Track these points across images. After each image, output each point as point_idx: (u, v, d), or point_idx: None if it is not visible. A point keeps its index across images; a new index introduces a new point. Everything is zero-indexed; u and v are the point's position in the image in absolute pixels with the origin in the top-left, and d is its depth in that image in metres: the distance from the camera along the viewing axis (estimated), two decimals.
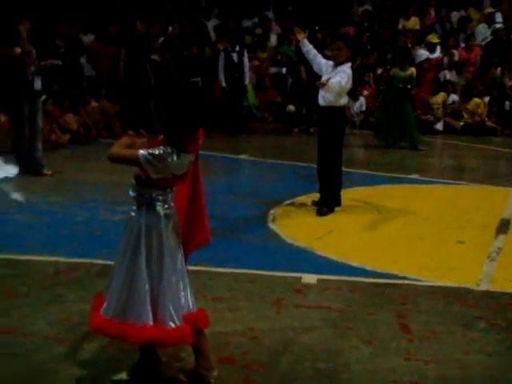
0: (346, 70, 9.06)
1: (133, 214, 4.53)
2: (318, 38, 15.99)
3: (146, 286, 4.46)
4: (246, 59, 17.00)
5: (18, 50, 10.64)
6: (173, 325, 4.50)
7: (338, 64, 9.10)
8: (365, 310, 6.14)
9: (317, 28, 18.16)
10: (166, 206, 4.53)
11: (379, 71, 18.09)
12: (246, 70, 16.98)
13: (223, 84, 16.62)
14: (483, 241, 8.25)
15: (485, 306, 6.28)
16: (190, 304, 4.64)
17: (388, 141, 14.73)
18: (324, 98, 9.16)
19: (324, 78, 9.06)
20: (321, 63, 9.32)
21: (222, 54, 16.86)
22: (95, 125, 14.91)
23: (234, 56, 16.87)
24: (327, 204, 9.26)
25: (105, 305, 4.58)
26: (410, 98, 15.10)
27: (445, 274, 7.10)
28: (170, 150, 4.31)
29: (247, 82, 17.07)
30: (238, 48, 16.94)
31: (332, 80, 8.90)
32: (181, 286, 4.59)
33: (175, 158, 4.33)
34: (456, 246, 8.09)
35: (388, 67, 17.04)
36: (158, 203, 4.50)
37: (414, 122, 15.12)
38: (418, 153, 14.40)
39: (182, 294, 4.60)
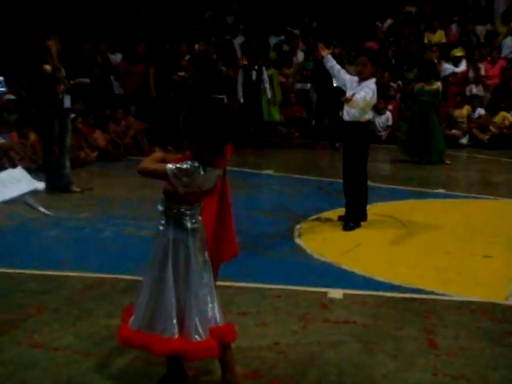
0: (371, 85, 9.09)
1: (161, 228, 4.57)
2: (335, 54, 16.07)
3: (173, 299, 4.50)
4: (265, 76, 17.11)
5: (49, 67, 10.72)
6: (198, 338, 4.52)
7: (362, 79, 9.13)
8: (391, 324, 6.12)
9: (334, 43, 18.32)
10: (194, 220, 4.56)
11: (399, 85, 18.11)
12: (266, 85, 17.08)
13: (241, 100, 16.68)
14: (511, 255, 8.20)
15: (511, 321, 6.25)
16: (218, 318, 4.66)
17: (414, 155, 14.69)
18: (349, 113, 9.19)
19: (349, 94, 9.09)
20: (345, 79, 9.34)
21: (241, 70, 16.94)
22: (123, 142, 14.98)
23: (253, 73, 17.00)
24: (353, 219, 9.26)
25: (133, 317, 4.64)
26: (437, 112, 15.10)
27: (472, 288, 7.07)
28: (197, 164, 4.35)
29: (269, 96, 17.15)
30: (256, 66, 17.08)
31: (357, 95, 8.92)
32: (208, 299, 4.62)
33: (202, 172, 4.36)
34: (483, 260, 8.04)
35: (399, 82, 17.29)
36: (186, 218, 4.53)
37: (442, 136, 15.10)
38: (443, 167, 14.35)
39: (210, 307, 4.63)
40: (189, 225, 4.54)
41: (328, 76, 10.81)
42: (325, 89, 17.10)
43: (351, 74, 9.50)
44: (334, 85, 10.21)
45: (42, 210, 3.45)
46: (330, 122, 17.41)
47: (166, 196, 4.58)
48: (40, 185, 2.99)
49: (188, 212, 4.55)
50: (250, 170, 12.86)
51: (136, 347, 4.75)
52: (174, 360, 4.73)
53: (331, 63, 9.46)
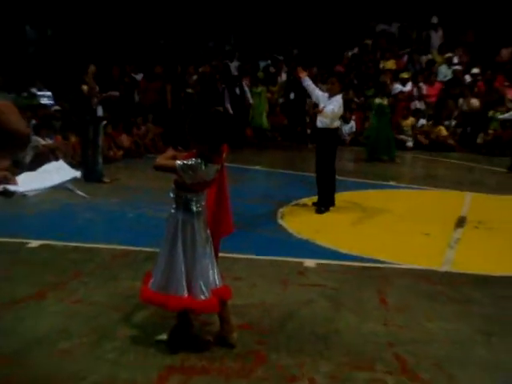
0: (338, 99, 9.12)
1: (172, 211, 4.62)
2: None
3: (182, 267, 4.54)
4: (245, 88, 17.24)
5: (85, 87, 10.76)
6: (203, 297, 4.58)
7: (331, 95, 9.14)
8: (353, 287, 6.16)
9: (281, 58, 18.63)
10: (198, 205, 4.60)
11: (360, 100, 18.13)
12: (248, 95, 17.25)
13: (230, 111, 16.70)
14: (445, 233, 8.23)
15: (445, 284, 6.29)
16: (217, 281, 4.71)
17: (373, 155, 14.70)
18: (321, 121, 9.20)
19: (321, 106, 9.11)
20: (318, 95, 9.34)
21: (226, 89, 16.99)
22: (143, 143, 14.97)
23: (237, 90, 17.09)
24: (324, 204, 9.28)
25: (151, 280, 4.68)
26: (390, 121, 15.18)
27: (415, 259, 7.10)
28: (199, 160, 4.43)
29: (251, 101, 17.33)
30: (238, 83, 17.24)
31: (327, 108, 8.96)
32: (209, 267, 4.66)
33: (203, 167, 4.44)
34: (423, 237, 8.07)
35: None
36: (192, 203, 4.57)
37: (393, 140, 15.18)
38: (394, 164, 14.37)
39: (211, 273, 4.67)
40: (194, 209, 4.58)
41: (299, 93, 10.95)
42: (297, 103, 17.40)
43: (323, 91, 9.49)
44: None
45: (80, 193, 3.44)
46: (301, 128, 17.59)
47: (176, 186, 4.62)
48: (77, 173, 2.98)
49: (194, 198, 4.59)
50: (243, 165, 12.84)
51: (154, 304, 4.81)
52: (183, 314, 4.76)
53: (307, 82, 9.45)
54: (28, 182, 2.73)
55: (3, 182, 2.70)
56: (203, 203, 4.68)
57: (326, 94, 9.25)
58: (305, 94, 16.42)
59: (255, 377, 4.32)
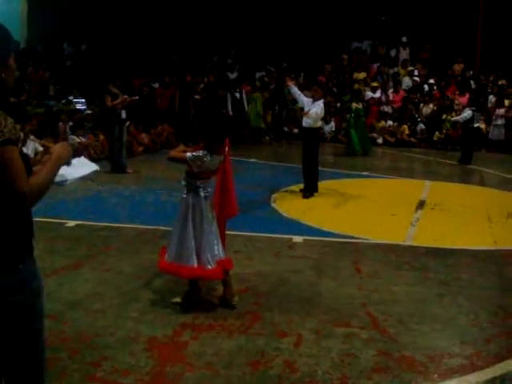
0: (320, 104, 9.12)
1: (184, 195, 4.67)
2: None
3: (192, 242, 4.60)
4: (244, 96, 17.17)
5: (109, 98, 10.72)
6: (210, 266, 4.62)
7: (314, 100, 9.13)
8: (332, 258, 6.20)
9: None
10: (205, 190, 4.65)
11: (338, 105, 18.08)
12: (245, 102, 17.15)
13: (231, 113, 16.64)
14: (408, 214, 8.26)
15: (408, 255, 6.33)
16: (221, 253, 4.74)
17: (349, 150, 14.68)
18: (306, 122, 9.19)
19: (306, 110, 9.11)
20: (303, 100, 9.33)
21: (229, 94, 16.94)
22: (159, 140, 14.94)
23: (237, 95, 17.03)
24: (309, 190, 9.28)
25: (167, 253, 4.70)
26: (364, 122, 15.21)
27: (383, 235, 7.13)
28: (206, 152, 4.53)
29: (246, 108, 17.21)
30: (238, 90, 17.14)
31: (311, 110, 8.96)
32: (215, 241, 4.70)
33: (209, 158, 4.53)
34: (391, 217, 8.10)
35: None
36: (200, 189, 4.62)
37: (368, 138, 15.23)
38: (367, 157, 14.37)
39: (216, 247, 4.70)
40: (202, 194, 4.63)
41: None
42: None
43: (307, 97, 9.48)
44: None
45: (97, 184, 3.42)
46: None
47: (187, 174, 4.67)
48: (97, 167, 2.93)
49: (202, 185, 4.64)
50: (240, 158, 12.83)
51: (169, 273, 4.86)
52: (193, 281, 4.79)
53: (294, 90, 9.45)
54: (62, 174, 2.72)
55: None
56: (209, 189, 4.72)
57: (310, 100, 9.24)
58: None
59: (252, 332, 4.35)
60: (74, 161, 2.84)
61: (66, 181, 2.40)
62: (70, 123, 12.69)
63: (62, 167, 2.56)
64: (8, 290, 2.30)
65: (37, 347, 2.45)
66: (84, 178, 2.83)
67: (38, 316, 2.44)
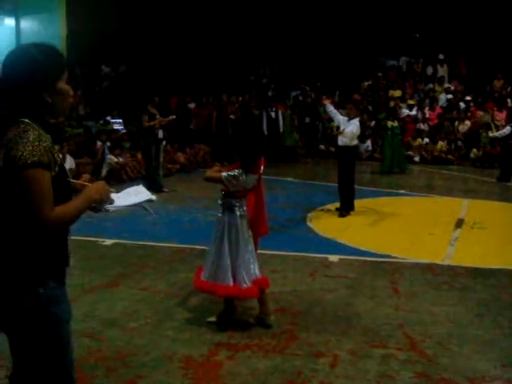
0: (356, 122, 9.06)
1: (220, 214, 4.68)
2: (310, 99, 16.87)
3: (228, 261, 4.60)
4: (280, 115, 17.17)
5: (146, 118, 10.86)
6: (245, 285, 4.61)
7: (350, 119, 9.10)
8: (369, 278, 6.13)
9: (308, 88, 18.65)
10: (241, 209, 4.66)
11: (373, 123, 17.99)
12: (281, 123, 17.14)
13: (265, 132, 16.69)
14: (446, 233, 8.13)
15: (447, 275, 6.22)
16: (257, 272, 4.73)
17: (384, 168, 14.56)
18: (342, 140, 9.15)
19: (341, 128, 9.08)
20: (339, 118, 9.31)
21: (264, 113, 17.01)
22: (195, 160, 15.05)
23: (273, 114, 17.05)
24: (345, 209, 9.21)
25: (203, 272, 4.72)
26: (402, 140, 15.10)
27: (421, 254, 7.03)
28: (241, 171, 4.55)
29: (281, 129, 17.15)
30: (274, 109, 17.10)
31: (347, 129, 8.92)
32: (251, 260, 4.70)
33: (244, 176, 4.55)
34: (429, 236, 7.99)
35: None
36: (236, 208, 4.63)
37: (404, 156, 15.11)
38: (404, 176, 14.23)
39: (252, 266, 4.69)
40: (238, 212, 4.64)
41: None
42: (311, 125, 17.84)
43: (343, 116, 9.45)
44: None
45: (151, 211, 3.43)
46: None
47: (223, 193, 4.68)
48: (153, 196, 2.88)
49: (237, 204, 4.65)
50: (277, 177, 12.84)
51: (205, 292, 4.86)
52: (229, 300, 4.79)
53: (330, 109, 9.44)
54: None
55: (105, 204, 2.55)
56: (245, 208, 4.73)
57: (346, 118, 9.19)
58: (317, 118, 16.72)
59: (288, 352, 4.32)
60: (131, 189, 2.85)
61: (113, 207, 2.36)
62: (108, 143, 12.90)
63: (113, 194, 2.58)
64: (25, 314, 2.29)
65: (58, 374, 2.40)
66: (136, 206, 2.84)
67: (61, 343, 2.39)
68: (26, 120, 2.28)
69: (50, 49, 2.38)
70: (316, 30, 21.06)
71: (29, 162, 2.16)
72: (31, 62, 2.30)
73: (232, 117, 16.70)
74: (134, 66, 19.24)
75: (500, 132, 13.75)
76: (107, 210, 2.59)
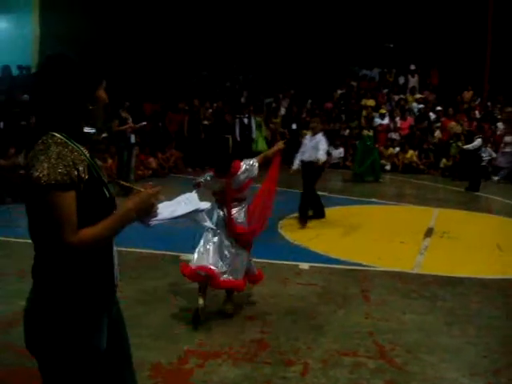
0: (321, 137, 8.83)
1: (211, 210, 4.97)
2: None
3: (211, 249, 4.96)
4: (252, 122, 17.22)
5: (116, 122, 10.78)
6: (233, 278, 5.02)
7: (314, 134, 8.92)
8: (340, 286, 6.14)
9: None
10: (220, 211, 5.03)
11: (347, 132, 18.14)
12: (253, 128, 17.20)
13: (238, 138, 16.76)
14: (416, 241, 8.20)
15: (417, 283, 6.26)
16: (253, 269, 5.33)
17: (360, 176, 14.62)
18: (309, 156, 8.83)
19: (308, 145, 8.86)
20: (305, 143, 9.06)
21: (237, 119, 17.06)
22: (167, 165, 14.99)
23: (245, 120, 17.11)
24: (304, 218, 9.05)
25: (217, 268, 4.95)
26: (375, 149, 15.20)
27: (392, 262, 7.07)
28: (210, 174, 4.99)
29: (254, 136, 17.22)
30: (247, 115, 17.19)
31: (320, 157, 8.58)
32: (238, 258, 5.06)
33: (209, 179, 4.97)
34: (399, 245, 8.05)
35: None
36: (218, 209, 5.04)
37: (379, 164, 15.23)
38: (375, 184, 14.33)
39: (244, 262, 5.12)
40: (220, 213, 5.04)
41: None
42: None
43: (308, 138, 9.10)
44: None
45: (209, 224, 3.33)
46: None
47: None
48: (208, 204, 2.69)
49: (218, 204, 5.03)
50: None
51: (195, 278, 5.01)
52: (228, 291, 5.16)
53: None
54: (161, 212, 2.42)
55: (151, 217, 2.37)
56: (221, 213, 5.02)
57: (308, 136, 8.98)
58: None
59: (258, 361, 4.30)
60: (181, 198, 2.56)
61: (157, 221, 2.19)
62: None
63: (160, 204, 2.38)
64: (62, 343, 2.17)
65: None
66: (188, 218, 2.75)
67: (95, 373, 2.26)
68: (55, 134, 2.15)
69: (88, 55, 2.33)
70: (291, 38, 21.18)
71: (46, 184, 2.04)
72: (73, 70, 2.21)
73: (205, 122, 16.68)
74: (109, 68, 19.05)
75: (472, 144, 13.97)
76: (148, 225, 2.39)
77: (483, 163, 14.88)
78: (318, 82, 20.79)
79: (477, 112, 17.66)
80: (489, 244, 8.19)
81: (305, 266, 6.80)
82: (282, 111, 19.50)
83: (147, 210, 2.35)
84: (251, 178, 5.07)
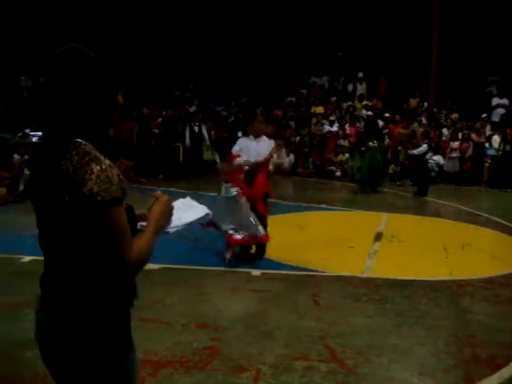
0: (266, 140, 7.55)
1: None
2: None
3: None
4: (203, 130, 17.26)
5: None
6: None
7: (257, 136, 7.46)
8: (291, 291, 6.19)
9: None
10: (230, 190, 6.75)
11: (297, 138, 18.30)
12: (205, 136, 17.27)
13: (188, 145, 16.78)
14: (366, 246, 8.33)
15: (366, 287, 6.36)
16: (261, 231, 6.95)
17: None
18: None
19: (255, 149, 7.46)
20: (247, 158, 7.19)
21: (188, 128, 17.07)
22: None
23: (196, 129, 17.14)
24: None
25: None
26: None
27: (342, 267, 7.16)
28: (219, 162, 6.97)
29: (207, 143, 17.21)
30: (197, 124, 17.22)
31: (275, 160, 7.67)
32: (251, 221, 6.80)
33: (219, 164, 7.03)
34: (349, 249, 8.16)
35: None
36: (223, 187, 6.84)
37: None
38: (325, 189, 14.48)
39: (253, 225, 6.85)
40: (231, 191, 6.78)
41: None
42: None
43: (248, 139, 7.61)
44: None
45: (226, 227, 3.34)
46: None
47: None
48: (209, 211, 2.50)
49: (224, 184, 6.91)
50: (201, 192, 12.78)
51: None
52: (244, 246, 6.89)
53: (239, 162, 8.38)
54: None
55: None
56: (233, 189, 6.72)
57: (251, 141, 7.44)
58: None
59: (210, 368, 4.30)
60: (179, 203, 2.43)
61: (173, 228, 2.11)
62: (26, 156, 12.51)
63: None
64: (95, 368, 1.98)
65: None
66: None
67: None
68: (82, 142, 1.90)
69: (104, 54, 2.04)
70: (242, 46, 21.31)
71: (107, 199, 1.82)
72: (96, 71, 1.96)
73: (156, 131, 16.59)
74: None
75: (419, 149, 14.25)
76: (167, 233, 2.25)
77: (432, 169, 15.23)
78: (269, 90, 20.95)
79: (423, 118, 18.06)
80: (436, 247, 8.39)
81: (257, 272, 6.83)
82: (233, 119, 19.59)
83: (169, 217, 2.22)
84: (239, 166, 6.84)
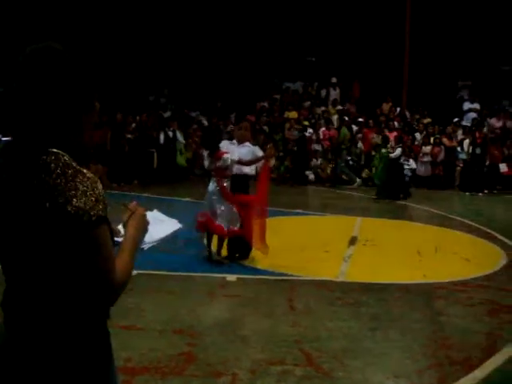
0: (250, 146, 7.75)
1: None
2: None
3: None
4: (178, 134, 17.26)
5: None
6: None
7: (240, 142, 7.69)
8: (266, 296, 6.20)
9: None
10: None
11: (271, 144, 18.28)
12: (180, 139, 17.30)
13: (162, 151, 16.79)
14: (340, 250, 8.38)
15: (341, 291, 6.40)
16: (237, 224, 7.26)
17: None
18: (238, 168, 7.60)
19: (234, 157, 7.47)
20: (231, 156, 7.41)
21: (162, 133, 17.03)
22: None
23: (170, 134, 17.12)
24: None
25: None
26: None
27: (317, 271, 7.21)
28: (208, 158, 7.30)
29: (181, 146, 17.27)
30: (172, 129, 17.21)
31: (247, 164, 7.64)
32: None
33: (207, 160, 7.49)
34: (324, 254, 8.19)
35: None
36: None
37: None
38: (301, 194, 14.54)
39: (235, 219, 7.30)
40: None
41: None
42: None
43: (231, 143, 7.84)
44: None
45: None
46: None
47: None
48: (180, 225, 2.41)
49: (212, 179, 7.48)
50: (174, 197, 12.76)
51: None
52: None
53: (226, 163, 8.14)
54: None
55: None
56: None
57: (227, 144, 7.76)
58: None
59: (187, 374, 4.28)
60: (150, 218, 2.20)
61: (146, 244, 2.03)
62: None
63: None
64: None
65: None
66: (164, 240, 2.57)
67: None
68: (60, 152, 1.70)
69: (80, 52, 1.85)
70: (215, 51, 21.31)
71: (94, 219, 1.65)
72: (74, 72, 1.77)
73: (129, 136, 16.50)
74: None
75: (394, 153, 14.39)
76: (142, 249, 2.10)
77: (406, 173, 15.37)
78: (243, 95, 20.99)
79: (396, 123, 18.25)
80: (410, 250, 8.48)
81: (232, 278, 6.83)
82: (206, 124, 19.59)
83: (145, 230, 2.05)
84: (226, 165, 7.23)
